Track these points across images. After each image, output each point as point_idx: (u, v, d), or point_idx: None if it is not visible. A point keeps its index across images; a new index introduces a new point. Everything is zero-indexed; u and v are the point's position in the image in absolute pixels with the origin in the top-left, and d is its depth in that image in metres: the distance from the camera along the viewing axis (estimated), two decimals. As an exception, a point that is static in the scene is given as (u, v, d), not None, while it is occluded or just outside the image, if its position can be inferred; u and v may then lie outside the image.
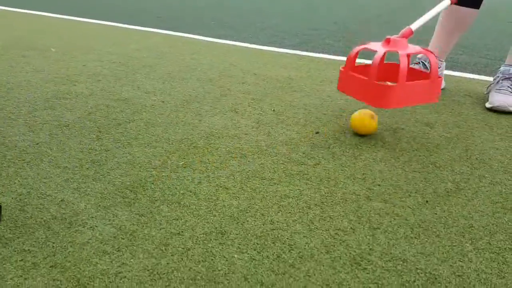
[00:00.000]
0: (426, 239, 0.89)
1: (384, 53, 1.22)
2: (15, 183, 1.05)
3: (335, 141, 1.31)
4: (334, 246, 0.86)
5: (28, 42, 2.47)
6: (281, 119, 1.47)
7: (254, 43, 2.61)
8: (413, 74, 1.35)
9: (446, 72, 2.04)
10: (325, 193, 1.04)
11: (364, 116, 1.32)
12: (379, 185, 1.08)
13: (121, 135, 1.32)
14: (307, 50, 2.46)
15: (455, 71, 2.11)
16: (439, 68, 1.79)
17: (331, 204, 1.00)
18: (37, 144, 1.25)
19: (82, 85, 1.77)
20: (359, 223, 0.93)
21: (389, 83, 1.26)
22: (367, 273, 0.79)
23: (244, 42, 2.65)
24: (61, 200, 0.98)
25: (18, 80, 1.81)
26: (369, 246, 0.86)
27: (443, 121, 1.49)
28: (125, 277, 0.77)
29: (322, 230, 0.90)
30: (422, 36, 1.92)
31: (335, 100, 1.66)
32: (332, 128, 1.41)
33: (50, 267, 0.79)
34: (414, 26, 1.30)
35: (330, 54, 2.39)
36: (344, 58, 2.29)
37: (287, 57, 2.31)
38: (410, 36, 1.29)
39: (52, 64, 2.06)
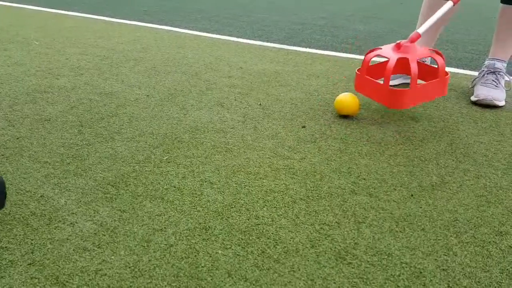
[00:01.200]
0: (411, 233, 0.89)
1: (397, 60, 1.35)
2: (-7, 178, 1.02)
3: (321, 135, 1.30)
4: (319, 240, 0.85)
5: (9, 35, 2.42)
6: (267, 113, 1.46)
7: (240, 37, 2.59)
8: (423, 69, 1.47)
9: (432, 66, 2.05)
10: (311, 187, 1.03)
11: (345, 96, 1.42)
12: (364, 179, 1.08)
13: (103, 129, 1.29)
14: (294, 44, 2.45)
15: (440, 65, 2.12)
16: (424, 62, 1.79)
17: (316, 198, 0.99)
18: (17, 138, 1.22)
19: (64, 79, 1.73)
20: (344, 217, 0.92)
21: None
22: (352, 268, 0.79)
23: (231, 36, 2.62)
24: (41, 196, 0.96)
25: (-2, 73, 1.77)
26: (354, 241, 0.86)
27: (428, 115, 1.49)
28: (105, 274, 0.75)
29: (307, 225, 0.90)
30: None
31: (321, 94, 1.65)
32: (318, 122, 1.40)
33: (28, 264, 0.77)
34: (421, 30, 1.39)
35: (317, 48, 2.38)
36: (331, 53, 2.29)
37: (274, 51, 2.29)
38: (418, 40, 1.38)
39: (34, 57, 2.01)
